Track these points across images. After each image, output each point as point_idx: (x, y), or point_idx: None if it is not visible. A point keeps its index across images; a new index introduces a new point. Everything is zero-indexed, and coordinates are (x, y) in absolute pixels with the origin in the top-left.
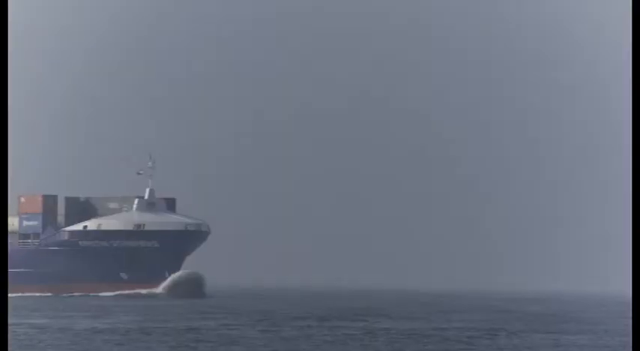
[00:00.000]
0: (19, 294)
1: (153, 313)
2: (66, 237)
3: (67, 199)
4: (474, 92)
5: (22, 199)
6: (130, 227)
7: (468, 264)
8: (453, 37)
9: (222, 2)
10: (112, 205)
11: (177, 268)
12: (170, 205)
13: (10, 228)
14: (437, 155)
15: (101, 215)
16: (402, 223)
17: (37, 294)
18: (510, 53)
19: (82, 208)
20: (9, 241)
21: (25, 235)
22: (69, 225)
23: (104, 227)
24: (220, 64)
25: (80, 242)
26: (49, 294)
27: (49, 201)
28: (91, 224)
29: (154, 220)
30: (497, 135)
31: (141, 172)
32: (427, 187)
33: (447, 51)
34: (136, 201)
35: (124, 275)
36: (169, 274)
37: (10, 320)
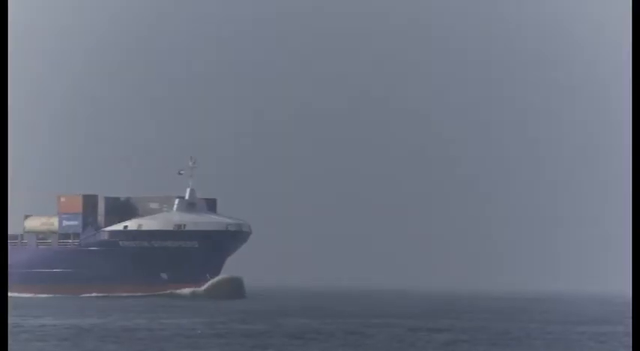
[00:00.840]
0: (59, 295)
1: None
2: (106, 237)
3: (107, 199)
4: (473, 92)
5: (62, 199)
6: (170, 227)
7: (467, 264)
8: (453, 37)
9: (222, 2)
10: (153, 205)
11: (218, 269)
12: (211, 205)
13: (49, 228)
14: (437, 155)
15: (141, 215)
16: (402, 223)
17: (84, 295)
18: (510, 53)
19: (122, 208)
20: (49, 240)
21: (64, 235)
22: (109, 225)
23: (145, 227)
24: (221, 63)
25: (120, 242)
26: (94, 294)
27: (89, 201)
28: (132, 224)
29: (195, 221)
30: (497, 135)
31: (182, 172)
32: (427, 187)
33: (447, 51)
34: (177, 201)
35: (164, 276)
36: (210, 276)
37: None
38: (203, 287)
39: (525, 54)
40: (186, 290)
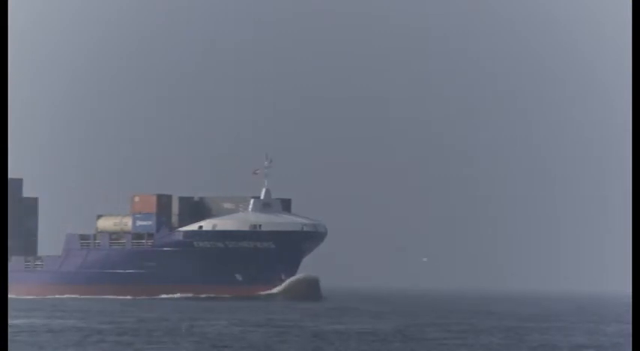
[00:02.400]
0: (132, 297)
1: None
2: (180, 237)
3: (181, 199)
4: (474, 92)
5: (136, 199)
6: (245, 228)
7: (468, 265)
8: (453, 37)
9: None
10: (227, 206)
11: (294, 270)
12: (286, 205)
13: (122, 228)
14: (437, 155)
15: (215, 215)
16: (402, 224)
17: (164, 296)
18: (511, 53)
19: (195, 208)
20: (122, 241)
21: (138, 235)
22: (182, 225)
23: (219, 228)
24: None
25: (195, 243)
26: (178, 295)
27: (164, 200)
28: (207, 224)
29: (271, 221)
30: (497, 135)
31: (257, 171)
32: (428, 186)
33: (446, 51)
34: (252, 201)
35: (238, 277)
36: (285, 277)
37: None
38: (278, 288)
39: (525, 54)
40: (261, 292)
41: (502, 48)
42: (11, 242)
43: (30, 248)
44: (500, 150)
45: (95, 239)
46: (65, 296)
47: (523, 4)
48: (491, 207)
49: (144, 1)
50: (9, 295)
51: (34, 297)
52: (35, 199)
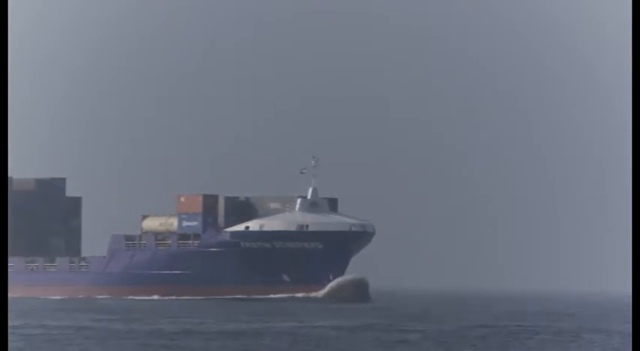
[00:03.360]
0: (178, 297)
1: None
2: (227, 238)
3: (227, 199)
4: (473, 93)
5: (182, 199)
6: (293, 228)
7: (468, 264)
8: (453, 37)
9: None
10: (273, 205)
11: (342, 271)
12: (332, 205)
13: (167, 228)
14: (437, 155)
15: (261, 216)
16: (404, 224)
17: (199, 297)
18: (511, 53)
19: (241, 209)
20: (168, 241)
21: (184, 236)
22: (228, 226)
23: (266, 228)
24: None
25: (242, 243)
26: (211, 296)
27: (210, 201)
28: (253, 225)
29: (318, 221)
30: (497, 135)
31: (304, 170)
32: (428, 186)
33: (446, 51)
34: (299, 201)
35: (286, 277)
36: (333, 277)
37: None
38: (326, 289)
39: (525, 54)
40: (309, 294)
41: (502, 48)
42: (55, 242)
43: (73, 248)
44: (500, 150)
45: (141, 240)
46: (102, 297)
47: (523, 4)
48: (491, 207)
49: (144, 1)
50: (54, 297)
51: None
52: (79, 199)
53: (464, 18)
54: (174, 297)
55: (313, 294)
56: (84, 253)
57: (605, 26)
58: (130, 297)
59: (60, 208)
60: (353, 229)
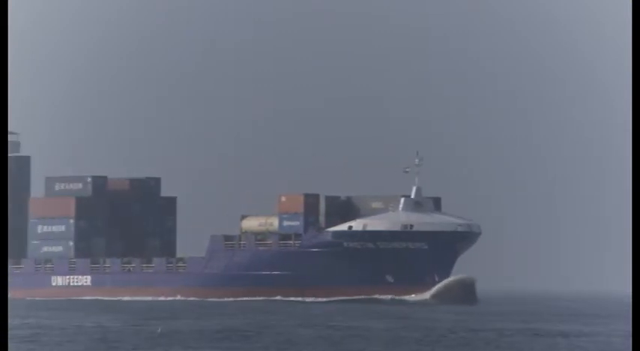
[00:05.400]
0: (279, 297)
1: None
2: (329, 238)
3: (327, 199)
4: (474, 93)
5: (283, 198)
6: (397, 228)
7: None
8: (453, 37)
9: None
10: (375, 205)
11: (448, 272)
12: (436, 204)
13: (267, 228)
14: (438, 154)
15: (363, 215)
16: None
17: (299, 298)
18: (511, 53)
19: (342, 208)
20: (268, 241)
21: (285, 236)
22: (329, 225)
23: (370, 228)
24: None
25: (344, 243)
26: (313, 298)
27: (311, 200)
28: (356, 224)
29: (423, 221)
30: (498, 135)
31: (407, 169)
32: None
33: (446, 51)
34: (402, 200)
35: (389, 278)
36: (439, 278)
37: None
38: (433, 290)
39: (525, 54)
40: (413, 295)
41: (502, 48)
42: (150, 243)
43: (168, 249)
44: (501, 149)
45: (240, 240)
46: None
47: (523, 4)
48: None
49: (144, 1)
50: (149, 298)
51: (180, 299)
52: (174, 199)
53: (464, 18)
54: (279, 297)
55: (420, 295)
56: (178, 254)
57: (605, 26)
58: (228, 299)
59: (155, 208)
60: (459, 228)
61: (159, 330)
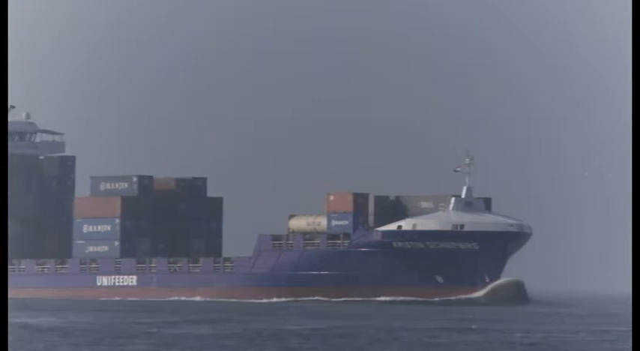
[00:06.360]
0: (326, 298)
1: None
2: (379, 238)
3: (377, 198)
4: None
5: (331, 197)
6: (448, 228)
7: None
8: (454, 37)
9: None
10: (425, 205)
11: (499, 272)
12: (487, 204)
13: (315, 228)
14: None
15: (412, 215)
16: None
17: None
18: (511, 53)
19: (391, 208)
20: (316, 241)
21: (333, 236)
22: (378, 225)
23: (420, 227)
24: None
25: (394, 243)
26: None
27: (360, 199)
28: (406, 224)
29: (474, 220)
30: (498, 134)
31: (458, 169)
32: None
33: (446, 51)
34: (453, 200)
35: (439, 279)
36: (489, 279)
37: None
38: (482, 292)
39: (525, 54)
40: (463, 296)
41: (502, 48)
42: (195, 243)
43: (214, 249)
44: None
45: (288, 240)
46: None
47: (523, 4)
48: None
49: (144, 1)
50: (196, 298)
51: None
52: (220, 199)
53: (464, 18)
54: (334, 299)
55: (472, 294)
56: (224, 254)
57: (605, 26)
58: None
59: (200, 209)
60: (510, 229)
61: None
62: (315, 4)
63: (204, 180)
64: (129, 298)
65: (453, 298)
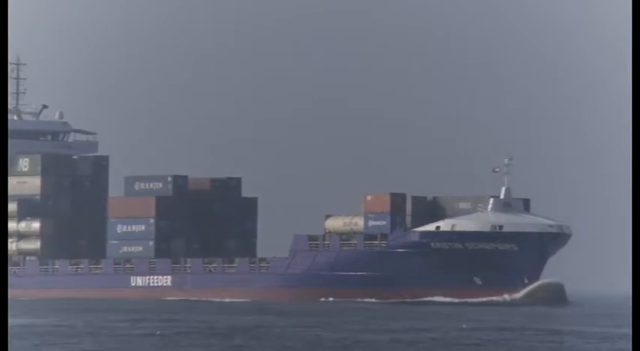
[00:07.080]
0: (361, 299)
1: None
2: (417, 238)
3: (414, 198)
4: (474, 93)
5: (368, 198)
6: (486, 229)
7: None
8: (454, 37)
9: None
10: (463, 205)
11: (538, 274)
12: (525, 206)
13: (352, 228)
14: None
15: (449, 216)
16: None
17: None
18: (511, 53)
19: (428, 208)
20: (353, 241)
21: (370, 236)
22: (415, 226)
23: (458, 228)
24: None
25: (432, 244)
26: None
27: (397, 200)
28: (444, 225)
29: (513, 221)
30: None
31: (497, 169)
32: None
33: (446, 51)
34: (491, 200)
35: (477, 280)
36: (529, 280)
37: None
38: (521, 293)
39: (525, 54)
40: (501, 297)
41: (502, 48)
42: (230, 243)
43: (249, 249)
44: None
45: (324, 240)
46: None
47: (523, 4)
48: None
49: (144, 1)
50: (230, 299)
51: (264, 300)
52: (255, 199)
53: (464, 18)
54: (374, 299)
55: (510, 296)
56: (259, 255)
57: (605, 26)
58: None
59: (235, 209)
60: (550, 229)
61: (158, 332)
62: (315, 4)
63: (238, 180)
64: (165, 298)
65: (494, 298)
